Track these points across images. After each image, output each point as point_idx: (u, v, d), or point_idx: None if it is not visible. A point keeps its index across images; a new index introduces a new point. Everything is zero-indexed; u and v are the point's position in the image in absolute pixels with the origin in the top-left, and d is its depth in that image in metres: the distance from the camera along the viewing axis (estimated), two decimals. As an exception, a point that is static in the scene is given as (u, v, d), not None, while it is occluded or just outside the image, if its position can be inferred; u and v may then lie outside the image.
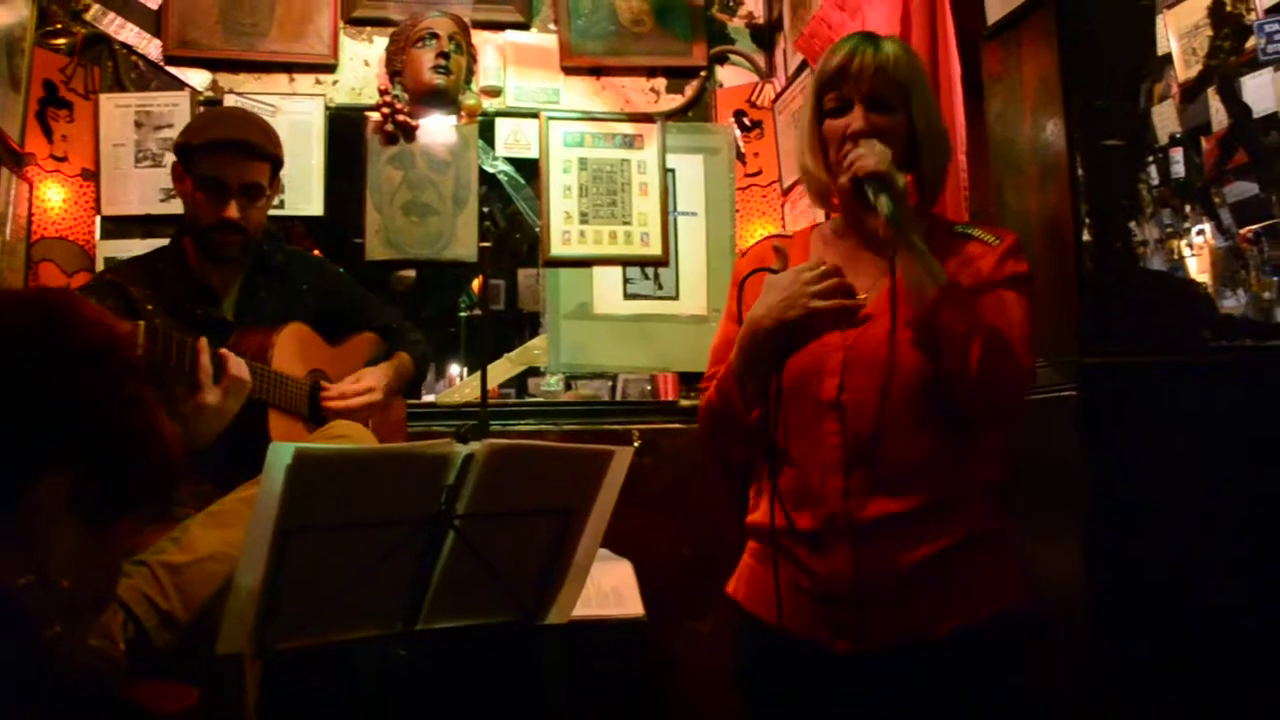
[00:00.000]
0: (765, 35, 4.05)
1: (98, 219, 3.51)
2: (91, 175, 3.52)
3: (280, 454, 1.56)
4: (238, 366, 2.27)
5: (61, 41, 3.53)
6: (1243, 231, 2.76)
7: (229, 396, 2.24)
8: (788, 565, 1.78)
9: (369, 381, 2.67)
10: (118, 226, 3.51)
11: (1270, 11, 2.60)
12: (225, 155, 2.48)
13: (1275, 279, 2.67)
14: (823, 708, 1.79)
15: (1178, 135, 2.84)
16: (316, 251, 3.47)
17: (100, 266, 3.42)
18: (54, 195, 3.49)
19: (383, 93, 3.67)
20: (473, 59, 3.73)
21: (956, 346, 1.65)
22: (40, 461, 1.16)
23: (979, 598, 1.72)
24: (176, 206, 3.30)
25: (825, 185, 1.87)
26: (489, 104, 3.79)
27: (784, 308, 1.75)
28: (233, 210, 2.47)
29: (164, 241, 2.69)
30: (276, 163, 2.58)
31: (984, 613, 1.71)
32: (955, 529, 1.72)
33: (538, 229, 3.82)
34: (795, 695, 1.82)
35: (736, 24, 4.05)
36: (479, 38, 3.77)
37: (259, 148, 2.52)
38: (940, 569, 1.71)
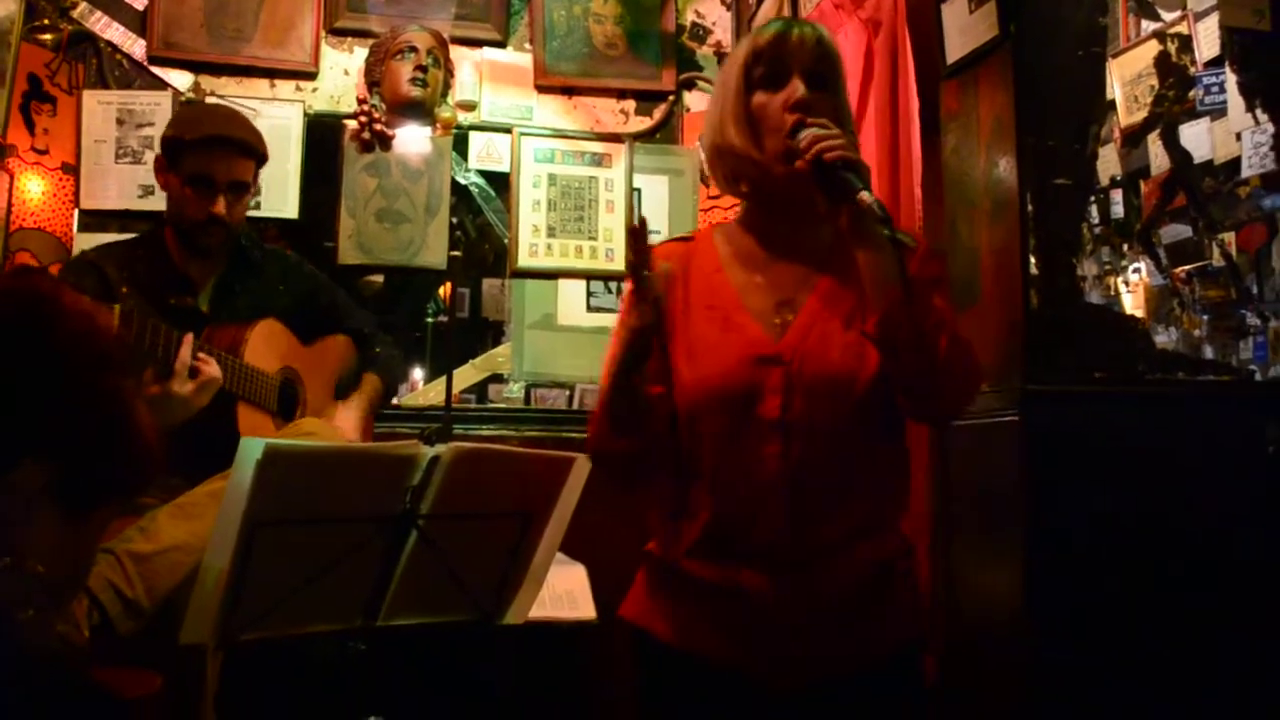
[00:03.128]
0: (732, 63, 4.13)
1: (76, 212, 3.52)
2: (71, 169, 3.53)
3: (251, 449, 1.57)
4: (213, 365, 2.28)
5: (48, 37, 3.54)
6: (1177, 271, 2.88)
7: (200, 391, 2.25)
8: (707, 591, 1.63)
9: (345, 431, 2.67)
10: (95, 220, 3.52)
11: (1210, 64, 2.71)
12: (216, 152, 2.50)
13: (1205, 317, 2.78)
14: None
15: (1118, 178, 2.95)
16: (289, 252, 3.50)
17: (76, 260, 3.45)
18: (34, 187, 3.49)
19: (361, 102, 3.71)
20: (450, 73, 3.77)
21: (927, 340, 1.48)
22: (20, 449, 1.19)
23: (893, 626, 1.63)
24: (154, 203, 3.34)
25: (750, 164, 1.61)
26: (464, 117, 3.82)
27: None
28: (220, 206, 2.50)
29: (143, 233, 2.71)
30: (261, 160, 2.62)
31: (893, 640, 1.62)
32: (880, 552, 1.61)
33: (506, 240, 3.86)
34: None
35: (705, 52, 4.11)
36: (457, 54, 3.81)
37: (249, 145, 2.56)
38: (864, 595, 1.60)
